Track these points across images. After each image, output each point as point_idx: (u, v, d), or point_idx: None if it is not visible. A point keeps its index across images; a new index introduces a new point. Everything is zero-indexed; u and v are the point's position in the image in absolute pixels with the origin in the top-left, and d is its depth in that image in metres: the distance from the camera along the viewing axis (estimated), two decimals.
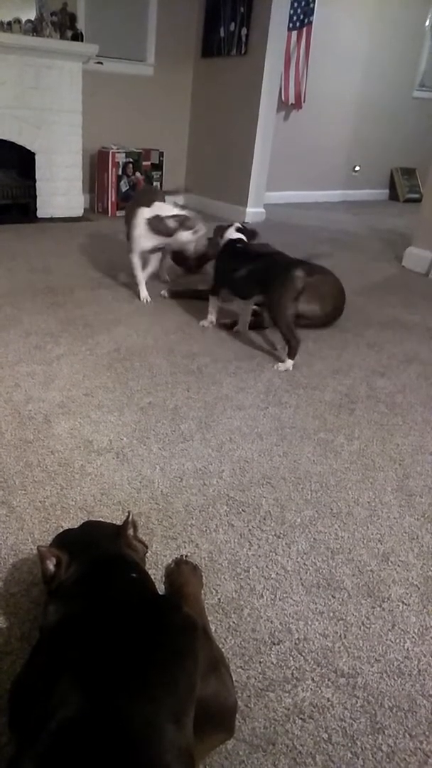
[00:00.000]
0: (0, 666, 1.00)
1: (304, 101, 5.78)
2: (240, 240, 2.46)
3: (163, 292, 2.90)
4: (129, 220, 2.73)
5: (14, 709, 0.83)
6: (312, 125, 6.04)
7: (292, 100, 5.70)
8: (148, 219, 2.61)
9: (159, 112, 5.20)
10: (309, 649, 1.08)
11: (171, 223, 2.57)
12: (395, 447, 1.76)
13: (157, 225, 2.59)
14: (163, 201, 2.76)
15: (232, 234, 2.47)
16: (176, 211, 2.62)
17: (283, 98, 5.50)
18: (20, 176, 4.49)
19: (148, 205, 2.64)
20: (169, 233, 2.59)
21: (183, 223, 2.57)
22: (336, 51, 5.90)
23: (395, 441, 1.79)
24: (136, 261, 2.77)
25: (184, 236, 2.60)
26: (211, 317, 2.58)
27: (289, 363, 2.22)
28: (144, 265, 2.84)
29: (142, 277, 2.83)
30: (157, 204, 2.65)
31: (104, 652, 0.78)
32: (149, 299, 2.83)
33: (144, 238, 2.67)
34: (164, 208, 2.63)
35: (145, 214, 2.62)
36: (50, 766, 0.66)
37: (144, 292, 2.84)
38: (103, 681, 0.74)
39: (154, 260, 2.91)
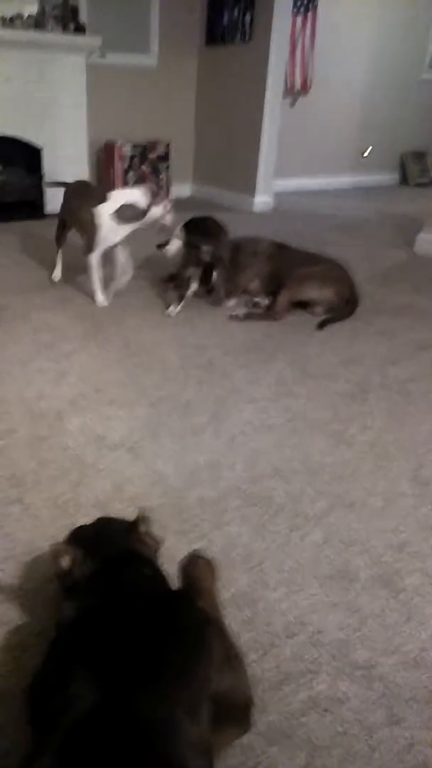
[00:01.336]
0: (19, 662, 1.01)
1: (310, 86, 5.70)
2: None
3: (170, 309, 2.65)
4: (83, 224, 2.56)
5: (34, 706, 0.84)
6: (319, 110, 5.96)
7: (298, 85, 5.62)
8: (115, 212, 2.46)
9: (164, 103, 5.17)
10: (324, 642, 1.07)
11: (142, 203, 2.47)
12: (409, 436, 1.74)
13: (127, 212, 2.46)
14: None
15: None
16: (136, 192, 2.50)
17: (289, 84, 5.43)
18: (27, 172, 4.49)
19: (103, 200, 2.48)
20: (142, 214, 2.48)
21: (152, 198, 2.49)
22: (342, 34, 5.80)
23: (409, 430, 1.77)
24: (96, 262, 2.58)
25: (156, 212, 2.51)
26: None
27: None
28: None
29: (99, 278, 2.64)
30: (113, 194, 2.51)
31: (119, 648, 0.79)
32: (106, 303, 2.66)
33: (113, 233, 2.50)
34: (123, 195, 2.50)
35: (106, 209, 2.46)
36: (68, 761, 0.67)
37: (101, 296, 2.65)
38: (119, 676, 0.75)
39: (119, 255, 2.69)
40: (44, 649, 0.90)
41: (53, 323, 2.43)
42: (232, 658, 0.92)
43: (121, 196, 2.49)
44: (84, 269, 2.67)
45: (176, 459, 1.58)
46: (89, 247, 2.55)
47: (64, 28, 4.20)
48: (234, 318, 2.58)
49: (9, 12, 4.03)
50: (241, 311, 2.62)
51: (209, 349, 2.27)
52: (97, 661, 0.78)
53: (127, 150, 4.80)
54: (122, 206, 2.46)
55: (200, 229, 2.67)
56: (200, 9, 4.96)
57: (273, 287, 2.68)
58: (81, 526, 1.14)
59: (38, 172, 4.41)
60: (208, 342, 2.33)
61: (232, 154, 5.09)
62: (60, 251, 2.92)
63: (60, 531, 1.28)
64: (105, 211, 2.47)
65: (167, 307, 2.65)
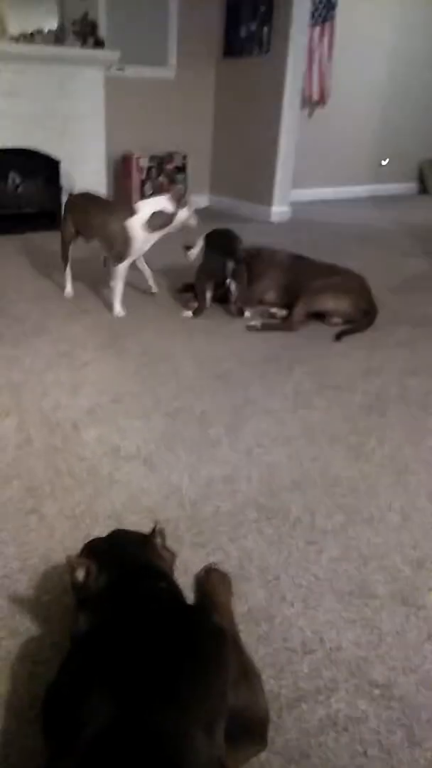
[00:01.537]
0: (34, 673, 1.01)
1: (328, 97, 5.72)
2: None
3: (252, 323, 2.64)
4: (111, 237, 2.58)
5: (48, 717, 0.84)
6: (337, 120, 5.98)
7: (316, 96, 5.64)
8: (146, 222, 2.52)
9: (182, 115, 5.22)
10: (342, 659, 1.06)
11: (169, 209, 2.53)
12: (429, 449, 1.71)
13: (156, 221, 2.53)
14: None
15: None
16: (162, 200, 2.56)
17: (306, 95, 5.45)
18: (45, 184, 4.55)
19: (132, 213, 2.53)
20: (170, 220, 2.55)
21: (179, 201, 2.55)
22: (361, 43, 5.82)
23: (429, 443, 1.75)
24: (125, 273, 2.64)
25: (183, 215, 2.57)
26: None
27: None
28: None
29: (121, 292, 2.70)
30: (141, 205, 2.57)
31: (135, 662, 0.79)
32: (123, 313, 2.70)
33: (145, 243, 2.59)
34: (151, 204, 2.56)
35: (138, 221, 2.52)
36: None
37: (119, 307, 2.71)
38: (134, 690, 0.75)
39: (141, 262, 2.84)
40: (58, 661, 0.90)
41: (70, 334, 2.45)
42: (248, 673, 0.91)
43: (149, 206, 2.55)
44: (94, 280, 2.69)
45: (192, 471, 1.57)
46: (120, 258, 2.60)
47: (84, 42, 4.27)
48: (251, 328, 2.57)
49: (30, 28, 4.11)
50: (258, 321, 2.62)
51: (226, 359, 2.26)
52: (112, 676, 0.77)
53: (144, 162, 4.85)
54: (152, 215, 2.52)
55: (220, 243, 2.71)
56: (217, 22, 5.01)
57: (289, 299, 2.69)
58: (96, 539, 1.14)
59: (56, 184, 4.47)
60: (224, 353, 2.33)
61: (249, 164, 5.11)
62: (68, 267, 2.90)
63: (75, 542, 1.28)
64: (137, 224, 2.52)
65: (184, 311, 2.75)
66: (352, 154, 6.32)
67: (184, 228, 2.65)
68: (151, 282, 2.93)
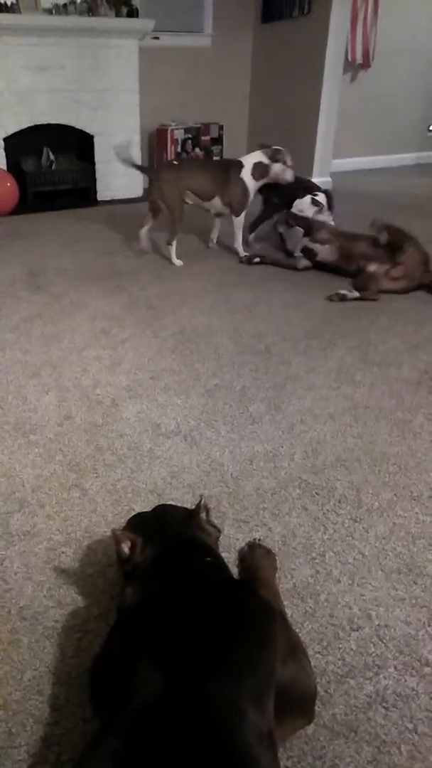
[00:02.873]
0: (81, 644, 1.02)
1: (372, 59, 5.47)
2: None
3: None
4: (234, 188, 2.93)
5: (95, 686, 0.85)
6: (382, 84, 5.73)
7: (359, 59, 5.39)
8: (252, 172, 2.93)
9: (218, 85, 5.10)
10: (390, 636, 1.04)
11: (265, 161, 2.93)
12: None
13: (257, 170, 2.94)
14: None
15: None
16: (256, 154, 2.97)
17: (349, 58, 5.23)
18: (79, 160, 4.53)
19: (242, 165, 2.93)
20: (267, 171, 2.95)
21: (274, 155, 2.94)
22: (408, 2, 5.52)
23: None
24: (242, 222, 3.04)
25: (277, 168, 2.94)
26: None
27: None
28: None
29: (243, 237, 3.13)
30: (245, 158, 2.96)
31: (184, 634, 0.79)
32: (246, 254, 3.07)
33: (252, 191, 2.99)
34: (251, 157, 2.97)
35: (247, 172, 2.92)
36: (135, 743, 0.68)
37: (242, 249, 3.10)
38: (184, 662, 0.75)
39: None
40: (105, 632, 0.91)
41: (109, 311, 2.45)
42: (295, 648, 0.91)
43: (251, 158, 2.96)
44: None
45: (233, 447, 1.56)
46: (242, 208, 3.00)
47: (117, 12, 4.18)
48: (334, 298, 2.56)
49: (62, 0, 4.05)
50: (339, 293, 2.57)
51: (266, 335, 2.23)
52: (161, 648, 0.78)
53: (180, 133, 4.77)
54: (254, 165, 2.94)
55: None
56: None
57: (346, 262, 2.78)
58: (141, 513, 1.14)
59: (91, 160, 4.44)
60: (265, 329, 2.29)
61: (288, 134, 4.97)
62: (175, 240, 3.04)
63: (118, 517, 1.29)
64: (245, 173, 2.94)
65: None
66: (398, 120, 6.06)
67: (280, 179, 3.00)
68: (214, 234, 3.28)
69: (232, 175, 2.92)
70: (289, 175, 2.97)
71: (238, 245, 3.10)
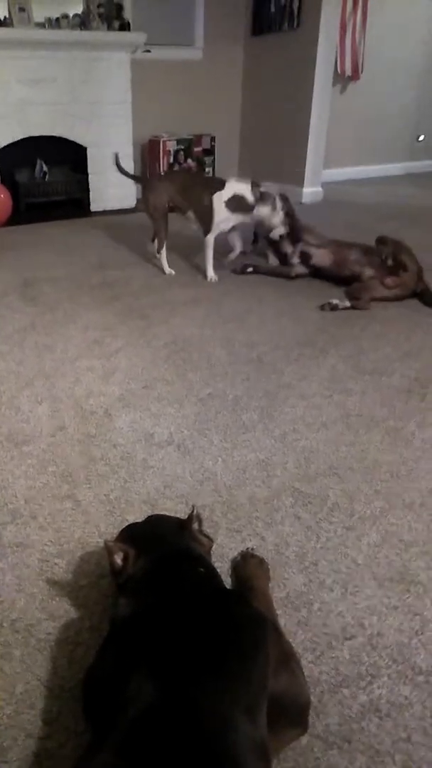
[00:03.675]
0: (73, 656, 1.02)
1: (361, 71, 5.54)
2: None
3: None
4: (203, 206, 2.80)
5: (88, 698, 0.85)
6: (371, 96, 5.80)
7: (348, 71, 5.47)
8: (228, 200, 2.74)
9: (210, 96, 5.14)
10: (384, 645, 1.04)
11: (249, 198, 2.73)
12: None
13: (237, 204, 2.75)
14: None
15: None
16: (242, 187, 2.75)
17: (339, 70, 5.30)
18: (73, 171, 4.56)
19: (221, 188, 2.74)
20: (249, 209, 2.76)
21: (262, 198, 2.74)
22: (395, 14, 5.60)
23: None
24: (212, 242, 2.88)
25: (263, 211, 2.77)
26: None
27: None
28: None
29: (212, 258, 2.94)
30: (230, 183, 2.76)
31: (177, 645, 0.79)
32: (216, 278, 2.93)
33: (225, 221, 2.81)
34: (239, 187, 2.75)
35: (223, 197, 2.74)
36: (128, 756, 0.68)
37: (211, 272, 2.94)
38: (177, 673, 0.75)
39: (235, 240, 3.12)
40: (97, 644, 0.91)
41: (102, 321, 2.45)
42: (288, 658, 0.91)
43: (234, 188, 2.76)
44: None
45: (226, 456, 1.56)
46: (206, 229, 2.85)
47: (109, 25, 4.22)
48: (326, 308, 2.56)
49: (55, 13, 4.09)
50: (331, 303, 2.58)
51: (258, 344, 2.24)
52: (154, 659, 0.77)
53: (172, 145, 4.80)
54: (234, 196, 2.75)
55: None
56: None
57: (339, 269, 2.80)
58: (133, 524, 1.14)
59: (84, 171, 4.47)
60: (256, 338, 2.30)
61: (279, 144, 5.02)
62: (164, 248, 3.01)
63: (111, 527, 1.29)
64: (220, 198, 2.76)
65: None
66: (387, 130, 6.13)
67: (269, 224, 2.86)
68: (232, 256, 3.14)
69: (206, 192, 2.78)
70: (276, 222, 2.83)
71: (206, 266, 2.94)
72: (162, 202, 2.90)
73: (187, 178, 3.03)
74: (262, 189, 2.76)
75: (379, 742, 0.89)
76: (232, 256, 3.16)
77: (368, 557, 1.23)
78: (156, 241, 3.01)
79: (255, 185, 2.77)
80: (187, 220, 2.99)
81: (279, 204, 2.80)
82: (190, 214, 2.90)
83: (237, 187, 2.75)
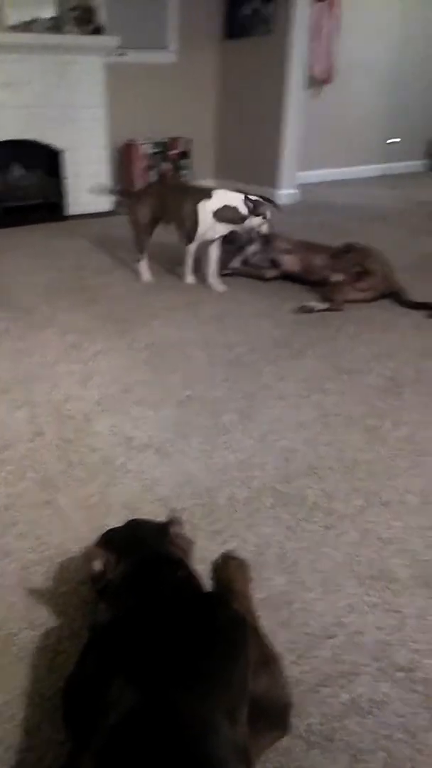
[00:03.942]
0: (53, 664, 1.01)
1: (335, 75, 5.60)
2: None
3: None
4: (185, 215, 2.73)
5: (68, 705, 0.84)
6: (344, 99, 5.85)
7: (322, 75, 5.52)
8: (216, 210, 2.66)
9: (184, 99, 5.14)
10: (364, 643, 1.05)
11: (242, 210, 2.64)
12: None
13: (226, 214, 2.67)
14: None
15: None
16: (235, 198, 2.67)
17: (312, 74, 5.34)
18: (48, 175, 4.52)
19: (208, 198, 2.67)
20: (240, 220, 2.68)
21: (255, 209, 2.65)
22: (368, 19, 5.66)
23: None
24: (193, 251, 2.84)
25: (254, 222, 2.68)
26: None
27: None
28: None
29: (191, 265, 2.91)
30: (219, 193, 2.69)
31: (156, 650, 0.79)
32: (194, 281, 2.93)
33: (210, 231, 2.73)
34: (230, 197, 2.67)
35: (209, 207, 2.66)
36: (111, 759, 0.68)
37: (189, 276, 2.93)
38: (157, 678, 0.75)
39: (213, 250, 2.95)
40: (77, 652, 0.90)
41: (79, 325, 2.44)
42: (268, 660, 0.91)
43: (222, 198, 2.67)
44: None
45: (206, 459, 1.56)
46: (187, 238, 2.79)
47: (82, 29, 4.20)
48: (302, 310, 2.56)
49: (27, 16, 4.06)
50: (307, 306, 2.59)
51: (237, 346, 2.24)
52: (133, 665, 0.77)
53: (148, 148, 4.79)
54: (224, 207, 2.65)
55: None
56: (219, 2, 4.91)
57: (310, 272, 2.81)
58: (113, 529, 1.13)
59: (59, 175, 4.44)
60: (235, 339, 2.30)
61: (254, 147, 5.04)
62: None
63: (91, 533, 1.28)
64: (205, 208, 2.68)
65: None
66: (361, 133, 6.19)
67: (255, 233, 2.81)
68: (209, 279, 2.93)
69: (190, 202, 2.71)
70: (266, 229, 2.77)
71: (185, 270, 2.93)
72: (145, 215, 2.86)
73: (170, 189, 2.99)
74: (253, 198, 2.69)
75: (361, 741, 0.90)
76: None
77: (348, 556, 1.24)
78: (136, 249, 2.97)
79: (248, 197, 2.68)
80: (175, 230, 2.93)
81: (269, 213, 2.75)
82: (174, 224, 2.86)
83: (227, 197, 2.67)
